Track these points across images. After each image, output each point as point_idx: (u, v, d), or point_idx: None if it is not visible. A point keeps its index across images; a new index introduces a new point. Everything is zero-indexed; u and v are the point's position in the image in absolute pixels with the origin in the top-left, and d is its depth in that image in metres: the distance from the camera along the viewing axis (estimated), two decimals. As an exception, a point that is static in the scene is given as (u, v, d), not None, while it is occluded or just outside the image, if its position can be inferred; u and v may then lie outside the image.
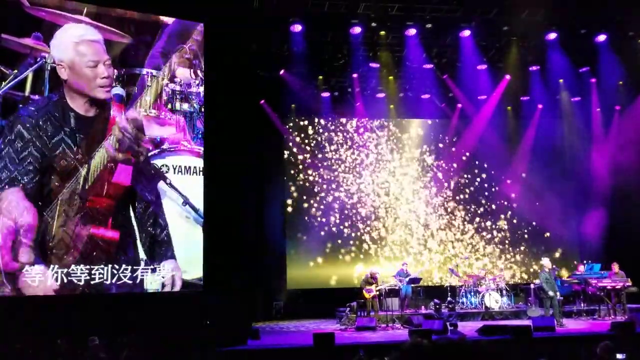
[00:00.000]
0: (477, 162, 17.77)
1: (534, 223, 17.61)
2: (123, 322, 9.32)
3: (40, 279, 9.45)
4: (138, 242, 10.36)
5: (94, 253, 9.92)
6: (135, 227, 10.38)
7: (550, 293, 12.26)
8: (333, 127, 17.46)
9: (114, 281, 10.04)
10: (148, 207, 10.53)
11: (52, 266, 9.56)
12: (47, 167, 9.66)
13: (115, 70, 10.45)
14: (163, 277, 10.46)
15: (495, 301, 14.00)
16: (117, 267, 10.08)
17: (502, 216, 17.67)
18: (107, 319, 9.34)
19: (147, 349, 8.68)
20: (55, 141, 9.76)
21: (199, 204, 10.98)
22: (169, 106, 10.88)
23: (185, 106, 11.00)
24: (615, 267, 13.31)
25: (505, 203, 17.70)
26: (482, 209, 17.68)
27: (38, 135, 9.61)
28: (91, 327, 8.88)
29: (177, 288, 10.55)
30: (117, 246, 10.16)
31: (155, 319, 9.65)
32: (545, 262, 12.77)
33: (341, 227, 16.85)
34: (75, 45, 10.07)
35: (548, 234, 17.56)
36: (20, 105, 9.61)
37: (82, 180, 9.89)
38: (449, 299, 14.32)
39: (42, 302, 9.45)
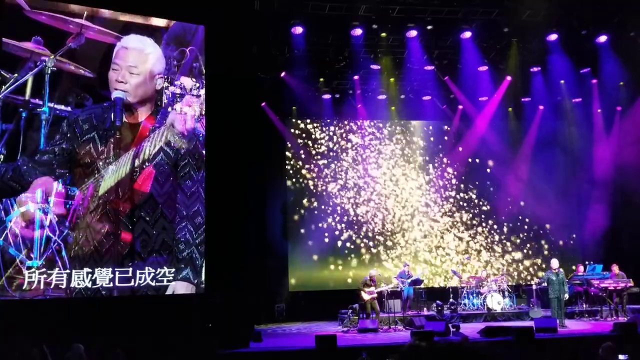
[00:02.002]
0: (478, 164, 17.76)
1: (535, 224, 17.60)
2: (124, 325, 9.31)
3: (46, 281, 9.47)
4: (148, 248, 10.37)
5: (102, 254, 9.94)
6: (148, 232, 10.40)
7: (551, 295, 12.24)
8: (334, 129, 17.46)
9: (115, 284, 10.04)
10: (162, 214, 10.55)
11: (57, 268, 9.58)
12: (73, 160, 9.96)
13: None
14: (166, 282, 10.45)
15: (497, 302, 13.98)
16: (119, 269, 10.08)
17: (504, 217, 17.65)
18: (107, 322, 9.33)
19: (149, 351, 8.69)
20: (86, 138, 10.07)
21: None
22: (170, 109, 10.88)
23: (186, 109, 11.00)
24: (615, 268, 13.30)
25: (507, 204, 17.68)
26: (483, 210, 17.66)
27: (73, 130, 10.00)
28: (90, 329, 8.89)
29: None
30: (129, 248, 10.18)
31: (157, 321, 9.64)
32: (553, 262, 12.74)
33: (343, 229, 16.85)
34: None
35: (549, 235, 17.55)
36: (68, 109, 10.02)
37: (103, 181, 10.02)
38: (451, 300, 14.32)
39: (41, 304, 9.45)
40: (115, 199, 10.16)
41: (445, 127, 18.00)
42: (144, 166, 10.43)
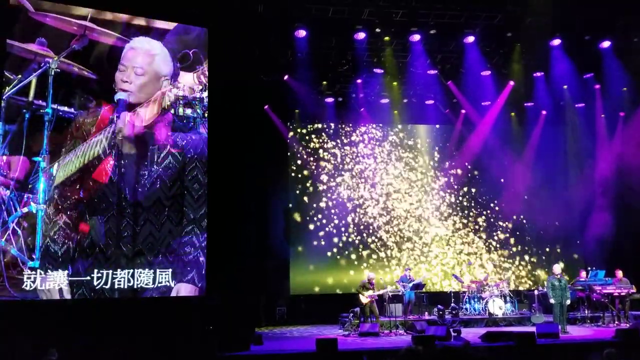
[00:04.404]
0: (481, 168, 17.73)
1: (538, 229, 17.55)
2: (124, 325, 9.31)
3: (47, 281, 9.47)
4: (154, 250, 10.37)
5: (108, 256, 9.95)
6: (154, 234, 10.41)
7: (552, 300, 12.20)
8: (336, 132, 17.46)
9: (113, 286, 10.03)
10: (169, 217, 10.57)
11: (59, 269, 9.59)
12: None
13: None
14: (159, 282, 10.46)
15: (499, 307, 13.94)
16: (122, 270, 10.08)
17: (506, 222, 17.61)
18: (107, 322, 9.32)
19: (148, 352, 8.69)
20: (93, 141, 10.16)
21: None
22: (172, 111, 10.90)
23: (189, 112, 11.02)
24: (619, 273, 13.25)
25: (509, 209, 17.63)
26: (486, 215, 17.63)
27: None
28: (90, 330, 8.89)
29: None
30: (135, 250, 10.17)
31: (157, 323, 9.64)
32: (555, 268, 12.71)
33: (344, 232, 16.83)
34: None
35: (552, 240, 17.50)
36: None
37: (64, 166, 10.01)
38: (452, 305, 14.28)
39: (42, 305, 9.45)
40: (73, 187, 10.02)
41: (448, 131, 17.97)
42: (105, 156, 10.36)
